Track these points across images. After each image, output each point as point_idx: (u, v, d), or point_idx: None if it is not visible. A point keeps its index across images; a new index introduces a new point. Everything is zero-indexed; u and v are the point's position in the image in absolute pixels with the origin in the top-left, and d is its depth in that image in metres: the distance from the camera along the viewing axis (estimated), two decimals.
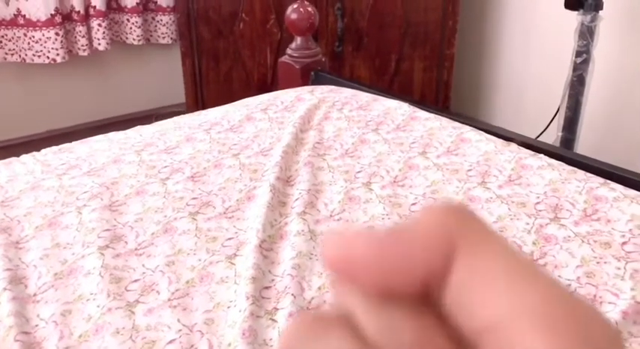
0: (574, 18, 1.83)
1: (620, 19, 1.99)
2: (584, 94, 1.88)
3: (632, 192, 0.89)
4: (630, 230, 0.81)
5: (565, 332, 0.13)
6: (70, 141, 1.17)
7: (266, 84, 2.30)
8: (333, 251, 0.15)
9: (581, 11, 1.79)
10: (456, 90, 2.52)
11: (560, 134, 1.96)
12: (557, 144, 1.95)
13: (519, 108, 2.48)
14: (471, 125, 1.16)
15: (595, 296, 0.70)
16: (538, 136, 2.16)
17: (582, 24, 1.79)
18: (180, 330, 0.68)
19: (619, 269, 0.74)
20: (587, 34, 1.80)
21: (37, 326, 0.70)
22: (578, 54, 1.84)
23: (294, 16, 1.45)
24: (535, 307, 0.13)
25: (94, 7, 2.29)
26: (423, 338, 0.14)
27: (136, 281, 0.76)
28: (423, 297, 0.15)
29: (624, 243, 0.79)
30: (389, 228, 0.15)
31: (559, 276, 0.73)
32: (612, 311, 0.67)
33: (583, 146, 1.99)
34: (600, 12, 1.78)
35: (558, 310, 0.13)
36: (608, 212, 0.85)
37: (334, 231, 0.16)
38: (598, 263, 0.75)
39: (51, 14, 2.19)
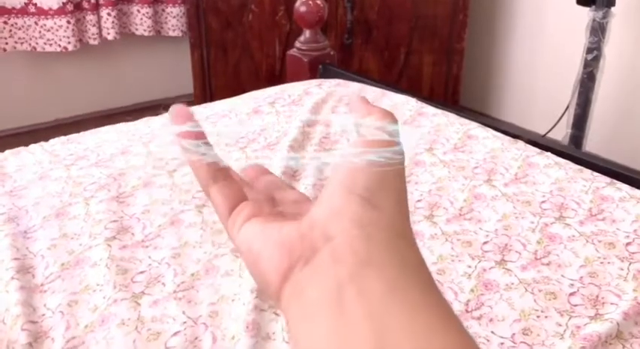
0: (585, 14, 1.81)
1: (632, 15, 1.97)
2: (594, 91, 1.87)
3: (639, 193, 0.89)
4: (635, 230, 0.81)
5: None
6: (79, 130, 1.18)
7: (274, 75, 2.30)
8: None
9: (593, 7, 1.78)
10: (466, 85, 2.51)
11: (569, 130, 1.95)
12: (566, 141, 1.94)
13: (529, 104, 2.47)
14: (478, 121, 1.16)
15: (597, 296, 0.70)
16: (547, 132, 2.16)
17: (594, 20, 1.78)
18: (184, 322, 0.69)
19: (622, 269, 0.74)
20: (598, 30, 1.78)
21: (43, 315, 0.71)
22: (589, 50, 1.82)
23: (303, 9, 1.45)
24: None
25: None
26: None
27: (142, 272, 0.77)
28: None
29: (628, 244, 0.79)
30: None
31: (562, 276, 0.73)
32: (614, 312, 0.67)
33: (592, 143, 1.98)
34: (612, 8, 1.77)
35: None
36: (614, 212, 0.85)
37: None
38: (602, 263, 0.75)
39: (63, 2, 2.19)
